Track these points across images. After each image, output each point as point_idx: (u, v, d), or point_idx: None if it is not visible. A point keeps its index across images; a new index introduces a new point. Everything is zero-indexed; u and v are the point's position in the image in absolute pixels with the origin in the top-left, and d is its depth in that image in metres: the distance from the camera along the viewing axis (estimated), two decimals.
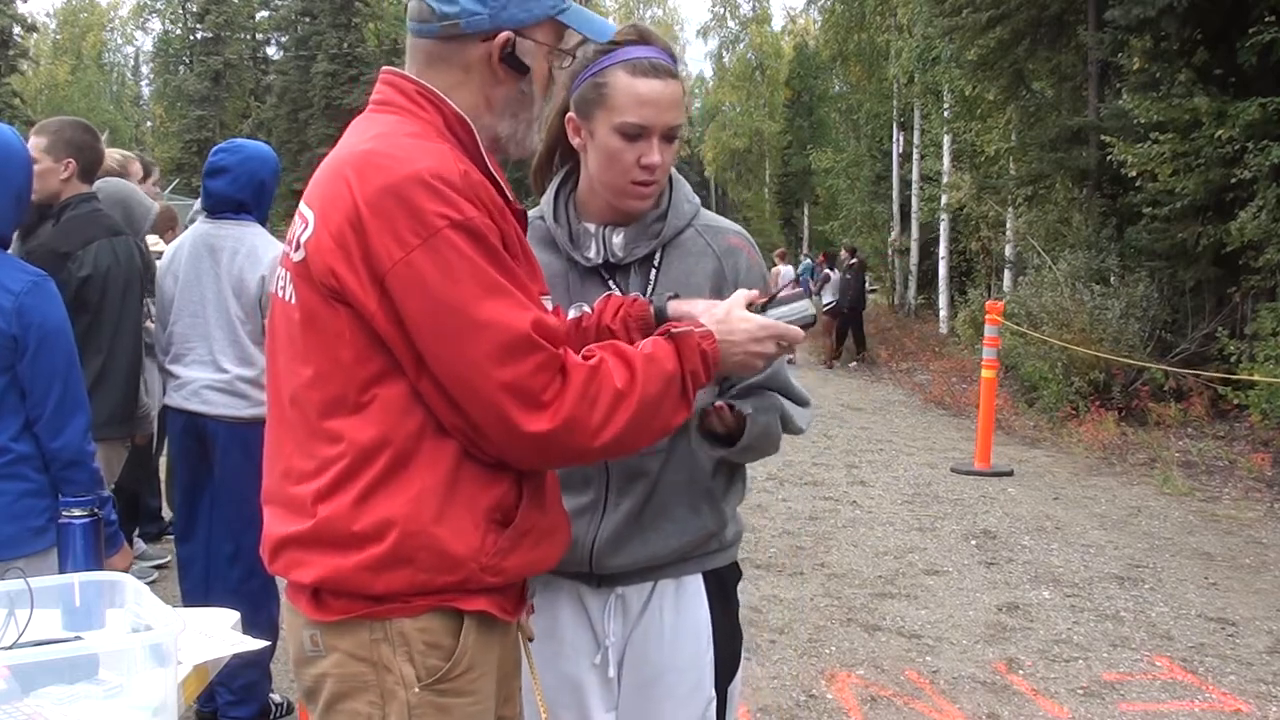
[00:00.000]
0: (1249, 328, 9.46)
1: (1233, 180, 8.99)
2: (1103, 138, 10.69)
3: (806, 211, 44.57)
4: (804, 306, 1.60)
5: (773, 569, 5.30)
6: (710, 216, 1.83)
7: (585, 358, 1.43)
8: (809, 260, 25.81)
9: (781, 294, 1.59)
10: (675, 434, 1.69)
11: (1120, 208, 11.53)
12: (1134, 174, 10.04)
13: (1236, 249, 9.26)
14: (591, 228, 1.76)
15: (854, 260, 17.10)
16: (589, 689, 1.79)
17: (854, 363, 16.15)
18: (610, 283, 1.76)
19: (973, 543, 5.91)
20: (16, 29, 34.61)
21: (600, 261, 1.76)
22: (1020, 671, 4.09)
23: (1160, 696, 3.89)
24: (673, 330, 1.49)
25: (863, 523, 6.32)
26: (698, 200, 1.83)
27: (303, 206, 1.47)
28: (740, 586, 1.89)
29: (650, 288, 1.75)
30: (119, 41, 56.84)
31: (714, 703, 1.78)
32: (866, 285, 15.77)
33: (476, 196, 1.38)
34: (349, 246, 1.36)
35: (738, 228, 1.85)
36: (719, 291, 1.73)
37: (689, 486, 1.74)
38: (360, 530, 1.41)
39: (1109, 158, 10.44)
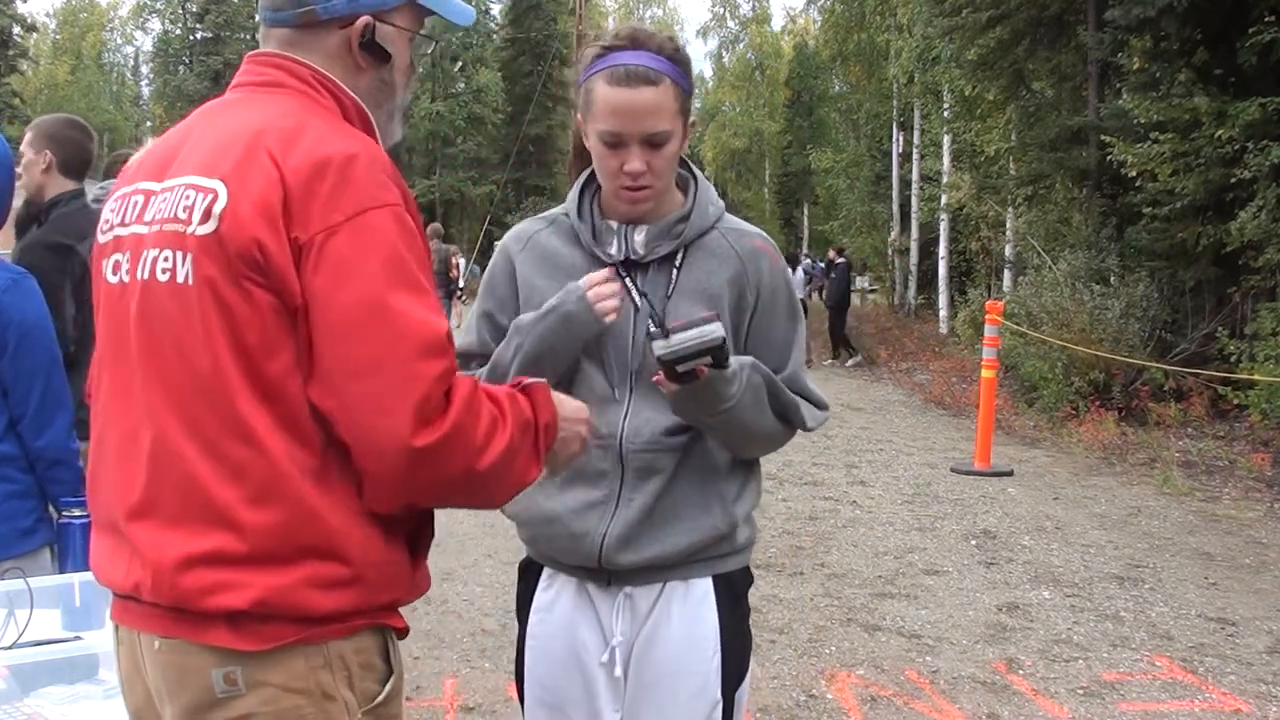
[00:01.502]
0: (1249, 328, 9.46)
1: (1233, 180, 8.99)
2: (1103, 138, 10.70)
3: (806, 211, 44.54)
4: (710, 330, 1.56)
5: (773, 569, 5.30)
6: (735, 221, 1.83)
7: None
8: (809, 260, 25.79)
9: (691, 319, 1.57)
10: (691, 432, 1.72)
11: (1120, 208, 11.53)
12: (1134, 174, 10.05)
13: (1236, 249, 9.26)
14: (614, 225, 1.77)
15: (840, 260, 17.13)
16: (596, 687, 1.79)
17: (829, 361, 16.08)
18: (627, 280, 1.76)
19: (973, 543, 5.91)
20: (16, 29, 34.59)
21: (621, 258, 1.76)
22: (1020, 671, 4.09)
23: (1160, 696, 3.89)
24: (524, 383, 1.41)
25: (863, 523, 6.32)
26: (722, 204, 1.83)
27: (191, 179, 1.32)
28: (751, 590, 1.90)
29: (671, 286, 1.75)
30: (119, 41, 56.81)
31: (720, 707, 1.76)
32: (852, 284, 15.69)
33: (400, 186, 1.33)
34: (274, 216, 1.25)
35: (761, 232, 1.84)
36: (741, 294, 1.75)
37: (702, 486, 1.74)
38: (308, 543, 1.27)
39: (1109, 158, 10.45)
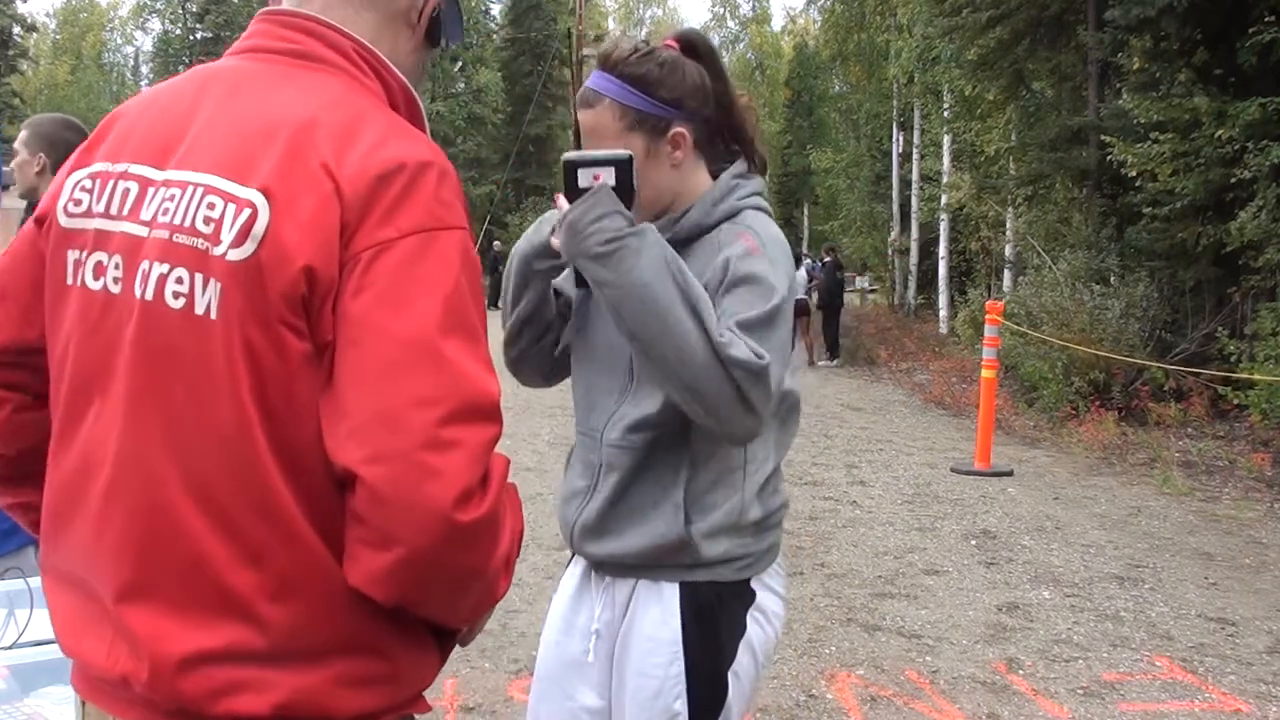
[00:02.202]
0: (1249, 328, 9.47)
1: (1233, 180, 8.99)
2: (1103, 138, 10.70)
3: (806, 211, 44.53)
4: (622, 151, 1.62)
5: None
6: (753, 216, 1.75)
7: None
8: (809, 260, 25.79)
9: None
10: (649, 433, 1.70)
11: (1120, 208, 11.53)
12: (1134, 174, 10.05)
13: (1236, 249, 9.26)
14: None
15: (827, 259, 17.15)
16: (584, 672, 1.83)
17: (822, 361, 16.04)
18: None
19: (973, 543, 5.91)
20: (16, 29, 34.59)
21: None
22: (1020, 671, 4.09)
23: (1160, 696, 3.89)
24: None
25: (863, 523, 6.32)
26: (746, 200, 1.76)
27: (212, 179, 1.07)
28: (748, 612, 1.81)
29: None
30: (119, 41, 56.83)
31: (681, 717, 1.74)
32: (843, 283, 15.64)
33: (464, 207, 1.12)
34: (330, 241, 1.03)
35: (759, 227, 1.73)
36: (719, 281, 1.69)
37: (656, 491, 1.73)
38: (342, 638, 1.08)
39: (1109, 158, 10.45)
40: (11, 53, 34.60)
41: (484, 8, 42.18)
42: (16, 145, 3.13)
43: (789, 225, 47.96)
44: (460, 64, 40.88)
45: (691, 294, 1.56)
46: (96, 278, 1.12)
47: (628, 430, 1.72)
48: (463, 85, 40.72)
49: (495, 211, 34.41)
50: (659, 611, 1.75)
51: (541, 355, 1.88)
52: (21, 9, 34.93)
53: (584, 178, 1.60)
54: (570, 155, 1.62)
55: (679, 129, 1.71)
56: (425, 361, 1.02)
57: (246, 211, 1.04)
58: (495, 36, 42.76)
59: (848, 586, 5.07)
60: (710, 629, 1.75)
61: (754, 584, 1.79)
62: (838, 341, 16.23)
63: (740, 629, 1.78)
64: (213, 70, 1.19)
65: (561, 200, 1.62)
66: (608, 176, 1.60)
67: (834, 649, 4.27)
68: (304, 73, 1.15)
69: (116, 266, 1.11)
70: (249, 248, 1.03)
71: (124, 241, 1.11)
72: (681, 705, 1.73)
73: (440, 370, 1.02)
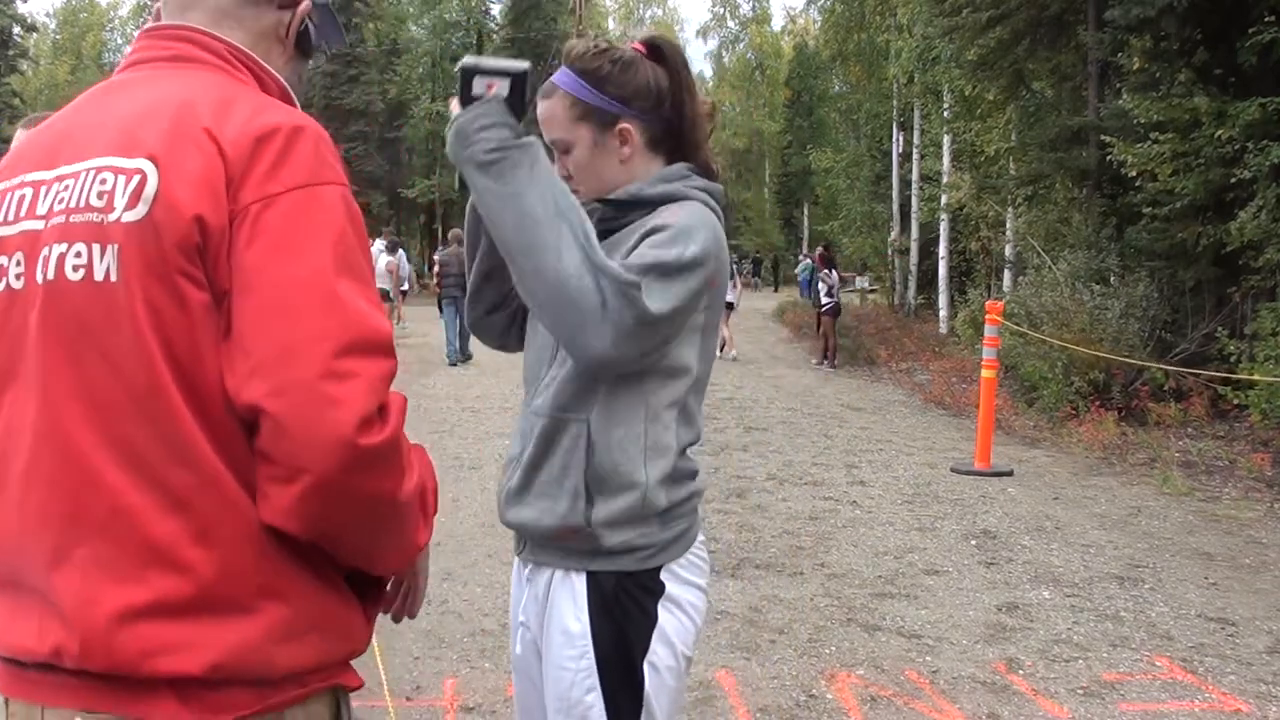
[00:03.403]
0: (1249, 328, 9.47)
1: (1233, 180, 9.00)
2: (1103, 138, 10.70)
3: (806, 211, 44.53)
4: (520, 62, 1.66)
5: (773, 569, 5.30)
6: (693, 204, 1.77)
7: None
8: (808, 260, 25.80)
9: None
10: (555, 415, 1.73)
11: (1120, 208, 11.54)
12: (1134, 174, 10.05)
13: (1236, 249, 9.27)
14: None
15: (811, 258, 17.15)
16: (528, 664, 1.90)
17: (817, 360, 15.99)
18: None
19: (973, 543, 5.91)
20: (16, 29, 34.60)
21: None
22: (1020, 671, 4.09)
23: (1160, 696, 3.89)
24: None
25: (863, 523, 6.32)
26: (695, 195, 1.78)
27: (102, 160, 1.13)
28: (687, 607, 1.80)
29: None
30: (119, 41, 56.77)
31: (595, 710, 1.74)
32: (830, 283, 15.55)
33: (342, 167, 1.19)
34: (218, 193, 1.09)
35: (698, 211, 1.74)
36: (635, 243, 1.72)
37: (560, 469, 1.75)
38: (264, 582, 1.10)
39: (1109, 158, 10.45)
40: (11, 53, 34.60)
41: (484, 8, 42.19)
42: (14, 144, 3.13)
43: (789, 225, 48.02)
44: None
45: (571, 214, 1.60)
46: None
47: (546, 401, 1.76)
48: None
49: None
50: (570, 604, 1.77)
51: (510, 320, 1.95)
52: (21, 9, 34.94)
53: (478, 86, 1.63)
54: (467, 60, 1.65)
55: (625, 125, 1.77)
56: (319, 301, 1.08)
57: (136, 178, 1.10)
58: (495, 36, 42.75)
59: (848, 586, 5.07)
60: (618, 621, 1.76)
61: (664, 575, 1.78)
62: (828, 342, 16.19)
63: (650, 620, 1.77)
64: (100, 86, 1.27)
65: (455, 104, 1.67)
66: (502, 87, 1.63)
67: (834, 649, 4.27)
68: (180, 71, 1.22)
69: (18, 264, 1.15)
70: (141, 209, 1.09)
71: (22, 239, 1.15)
72: (594, 698, 1.74)
73: (334, 308, 1.09)
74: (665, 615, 1.78)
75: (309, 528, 1.11)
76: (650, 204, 1.77)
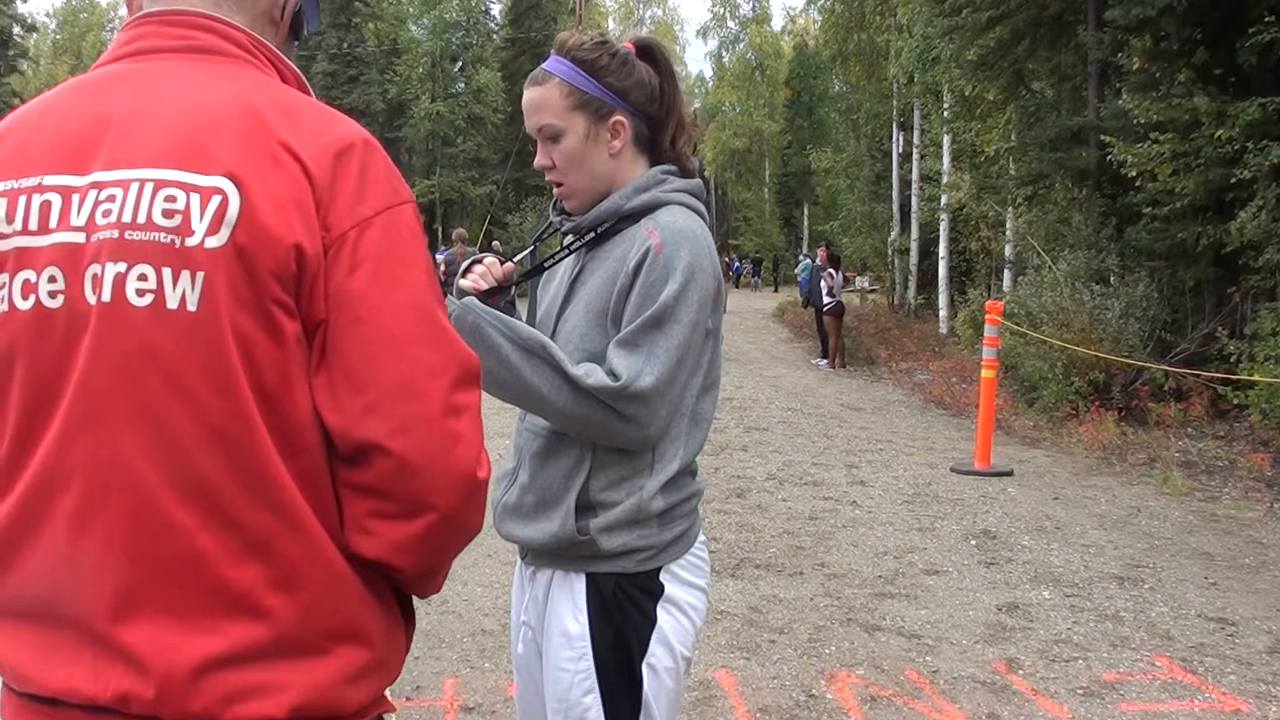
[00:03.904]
0: (1249, 328, 9.47)
1: (1233, 180, 8.99)
2: (1103, 138, 10.70)
3: (806, 211, 44.54)
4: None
5: (773, 569, 5.30)
6: (669, 212, 1.76)
7: None
8: (808, 260, 25.81)
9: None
10: (543, 428, 1.78)
11: (1120, 208, 11.53)
12: (1134, 174, 10.05)
13: (1236, 249, 9.26)
14: (554, 219, 1.91)
15: (812, 257, 17.20)
16: (530, 663, 1.91)
17: (820, 361, 15.98)
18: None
19: (973, 543, 5.91)
20: (16, 29, 34.63)
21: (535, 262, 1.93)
22: (1020, 671, 4.09)
23: (1160, 696, 3.89)
24: None
25: (863, 523, 6.32)
26: (673, 198, 1.78)
27: (162, 173, 1.04)
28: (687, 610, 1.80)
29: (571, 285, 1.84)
30: None
31: (593, 711, 1.75)
32: (829, 284, 15.55)
33: None
34: (309, 216, 1.03)
35: (668, 223, 1.73)
36: (614, 278, 1.74)
37: (558, 484, 1.76)
38: (338, 625, 1.07)
39: (1109, 158, 10.45)
40: (11, 53, 34.63)
41: (484, 8, 42.19)
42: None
43: (789, 225, 48.03)
44: (460, 64, 40.88)
45: (528, 346, 1.65)
46: (24, 297, 1.05)
47: (541, 420, 1.77)
48: (463, 85, 40.72)
49: (495, 211, 34.40)
50: (569, 606, 1.77)
51: None
52: (21, 9, 34.97)
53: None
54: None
55: (619, 118, 1.78)
56: (429, 332, 1.06)
57: (216, 198, 1.02)
58: (495, 36, 42.76)
59: (848, 586, 5.07)
60: (616, 622, 1.76)
61: (664, 576, 1.78)
62: (827, 342, 16.17)
63: (650, 622, 1.77)
64: (102, 77, 1.14)
65: None
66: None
67: (834, 649, 4.27)
68: (211, 64, 1.13)
69: (51, 280, 1.04)
70: (224, 233, 1.01)
71: (58, 252, 1.04)
72: (592, 699, 1.74)
73: (442, 340, 1.07)
74: (664, 617, 1.78)
75: (421, 562, 1.11)
76: (632, 217, 1.78)
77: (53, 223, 1.05)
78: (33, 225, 1.05)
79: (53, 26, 55.10)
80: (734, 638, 4.33)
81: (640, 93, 1.79)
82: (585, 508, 1.74)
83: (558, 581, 1.79)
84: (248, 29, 1.17)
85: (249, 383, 1.02)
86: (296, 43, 1.30)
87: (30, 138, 1.10)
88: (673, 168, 1.83)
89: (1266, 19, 8.75)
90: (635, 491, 1.73)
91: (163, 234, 1.02)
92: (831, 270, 15.73)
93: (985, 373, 8.03)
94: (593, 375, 1.64)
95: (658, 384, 1.66)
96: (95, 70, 1.16)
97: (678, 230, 1.72)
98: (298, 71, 1.21)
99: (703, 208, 1.84)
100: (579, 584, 1.77)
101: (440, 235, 33.83)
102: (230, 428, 1.02)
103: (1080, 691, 3.91)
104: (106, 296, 1.02)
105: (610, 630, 1.75)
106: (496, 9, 43.04)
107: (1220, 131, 8.96)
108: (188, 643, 1.01)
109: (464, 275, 1.83)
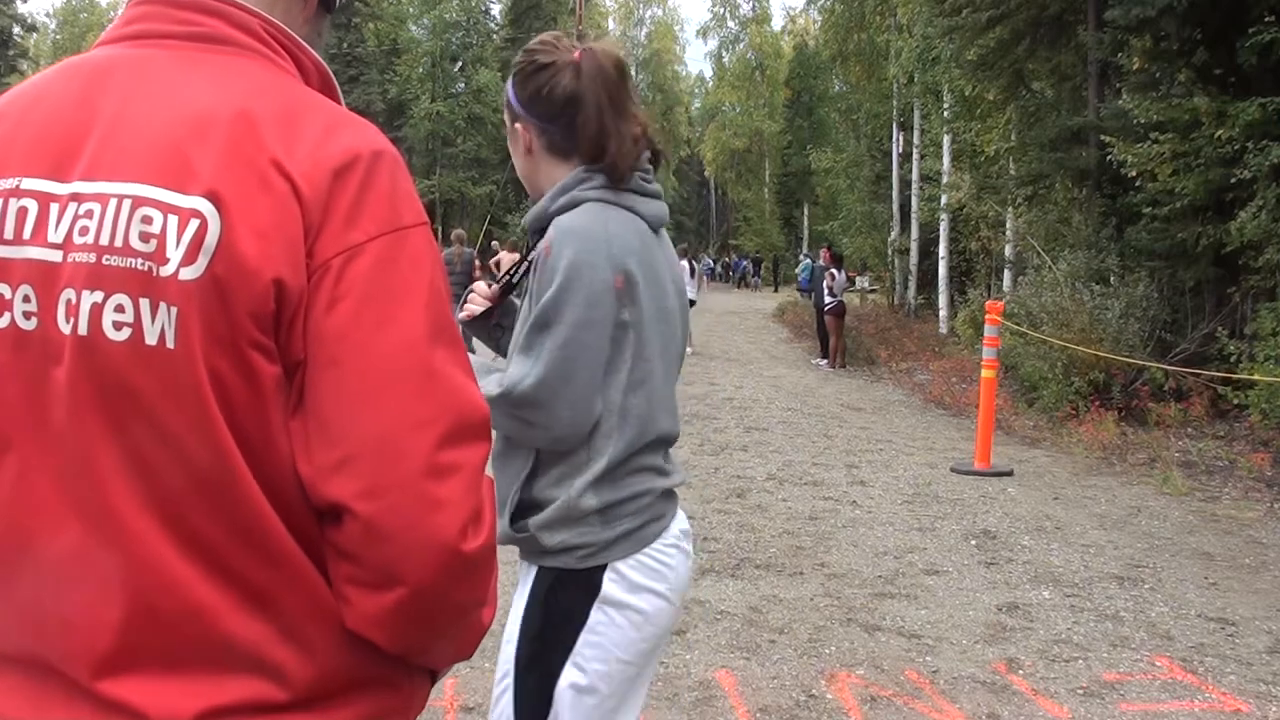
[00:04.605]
0: (1249, 328, 9.47)
1: (1233, 180, 8.99)
2: (1103, 138, 10.71)
3: (806, 211, 44.53)
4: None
5: (773, 569, 5.30)
6: (574, 213, 1.77)
7: None
8: (809, 260, 25.81)
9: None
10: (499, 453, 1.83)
11: (1120, 208, 11.54)
12: (1134, 174, 10.06)
13: (1236, 249, 9.27)
14: None
15: (813, 256, 17.19)
16: None
17: (820, 360, 15.95)
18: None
19: (973, 543, 5.91)
20: (16, 29, 34.64)
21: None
22: (1020, 671, 4.09)
23: (1160, 696, 3.89)
24: None
25: (863, 523, 6.32)
26: (589, 195, 1.79)
27: (141, 189, 0.93)
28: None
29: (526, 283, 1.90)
30: None
31: (505, 698, 1.79)
32: (829, 284, 15.54)
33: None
34: (295, 247, 0.92)
35: (569, 226, 1.75)
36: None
37: (504, 485, 1.81)
38: (361, 675, 1.00)
39: (1109, 158, 10.46)
40: (11, 53, 34.63)
41: (484, 8, 42.21)
42: None
43: (789, 225, 48.03)
44: (460, 64, 40.89)
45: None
46: (0, 312, 0.96)
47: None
48: (463, 85, 40.74)
49: (495, 211, 34.41)
50: (520, 594, 1.83)
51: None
52: (21, 9, 34.98)
53: None
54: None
55: (518, 125, 1.85)
56: (416, 379, 0.94)
57: (194, 223, 0.91)
58: (495, 36, 42.77)
59: (848, 586, 5.07)
60: (544, 616, 1.78)
61: (608, 575, 1.76)
62: (827, 342, 16.15)
63: (577, 622, 1.76)
64: (97, 63, 1.03)
65: None
66: None
67: (834, 649, 4.27)
68: (213, 57, 1.01)
69: (26, 300, 0.95)
70: (201, 264, 0.90)
71: (31, 269, 0.95)
72: (508, 683, 1.80)
73: (433, 387, 0.94)
74: (599, 617, 1.76)
75: (400, 640, 0.99)
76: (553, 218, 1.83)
77: (27, 233, 0.96)
78: (8, 234, 0.96)
79: (53, 26, 55.16)
80: (734, 638, 4.33)
81: (542, 106, 1.80)
82: (531, 506, 1.78)
83: (523, 569, 1.85)
84: (264, 12, 1.04)
85: (230, 430, 0.92)
86: (329, 16, 1.17)
87: (16, 131, 1.01)
88: (597, 167, 1.79)
89: (1266, 19, 8.76)
90: (567, 489, 1.76)
91: (139, 260, 0.92)
92: (834, 270, 15.73)
93: (985, 373, 8.03)
94: (489, 384, 1.70)
95: (540, 385, 1.68)
96: (94, 50, 1.06)
97: (566, 229, 1.74)
98: (319, 60, 1.08)
99: (635, 200, 1.80)
100: (530, 574, 1.82)
101: (441, 234, 33.84)
102: (214, 475, 0.92)
103: (1080, 691, 3.91)
104: (83, 329, 0.92)
105: (536, 624, 1.78)
106: (496, 9, 43.09)
107: (1220, 131, 8.96)
108: (188, 693, 0.94)
109: (462, 307, 1.96)
